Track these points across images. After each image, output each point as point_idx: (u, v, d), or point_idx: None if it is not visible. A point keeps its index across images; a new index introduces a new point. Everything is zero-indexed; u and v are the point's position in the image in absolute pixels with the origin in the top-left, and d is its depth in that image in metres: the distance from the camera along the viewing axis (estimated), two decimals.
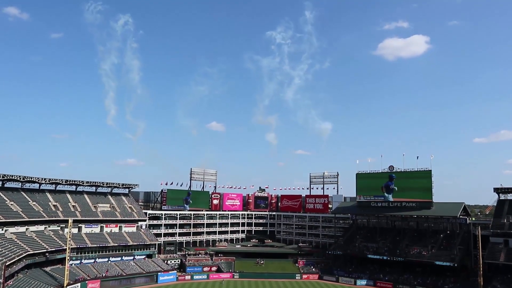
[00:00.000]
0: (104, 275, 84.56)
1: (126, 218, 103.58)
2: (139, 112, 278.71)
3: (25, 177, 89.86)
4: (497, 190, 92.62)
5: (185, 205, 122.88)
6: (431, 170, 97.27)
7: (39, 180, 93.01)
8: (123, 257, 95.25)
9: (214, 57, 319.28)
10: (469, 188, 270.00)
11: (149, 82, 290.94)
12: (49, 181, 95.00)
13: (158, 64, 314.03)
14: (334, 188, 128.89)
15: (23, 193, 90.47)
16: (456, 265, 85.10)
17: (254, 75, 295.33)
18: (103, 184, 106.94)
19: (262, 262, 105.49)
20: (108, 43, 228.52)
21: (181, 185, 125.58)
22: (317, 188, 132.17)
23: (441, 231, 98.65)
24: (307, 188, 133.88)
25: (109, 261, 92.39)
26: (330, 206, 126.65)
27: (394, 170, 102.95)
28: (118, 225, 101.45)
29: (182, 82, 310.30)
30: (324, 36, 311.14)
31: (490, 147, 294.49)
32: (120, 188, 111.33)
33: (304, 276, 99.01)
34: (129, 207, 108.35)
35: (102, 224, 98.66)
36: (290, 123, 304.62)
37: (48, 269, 79.13)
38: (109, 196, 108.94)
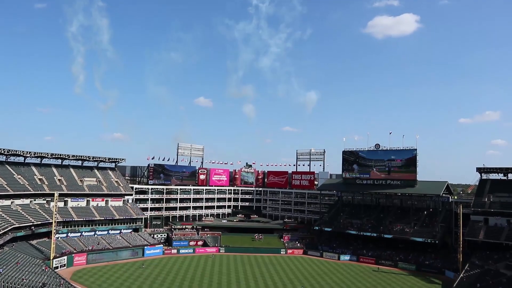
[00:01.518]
0: (90, 248, 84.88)
1: (112, 192, 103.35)
2: (110, 79, 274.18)
3: (9, 150, 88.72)
4: (480, 170, 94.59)
5: (172, 179, 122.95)
6: (416, 149, 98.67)
7: (24, 154, 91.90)
8: (110, 231, 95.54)
9: (189, 20, 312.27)
10: (453, 168, 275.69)
11: (119, 47, 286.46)
12: (34, 154, 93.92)
13: (128, 28, 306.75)
14: (320, 165, 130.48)
15: (8, 166, 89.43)
16: (437, 242, 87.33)
17: (230, 41, 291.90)
18: (89, 158, 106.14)
19: (261, 236, 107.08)
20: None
21: (167, 160, 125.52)
22: (303, 165, 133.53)
23: (424, 209, 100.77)
24: (294, 165, 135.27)
25: (96, 235, 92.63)
26: (316, 182, 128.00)
27: (380, 148, 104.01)
28: (105, 199, 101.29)
29: (154, 47, 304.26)
30: (311, 10, 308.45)
31: (474, 127, 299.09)
32: (107, 162, 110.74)
33: (289, 251, 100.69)
34: (116, 181, 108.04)
35: (88, 198, 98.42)
36: (270, 95, 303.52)
37: (34, 242, 79.12)
38: (96, 170, 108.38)
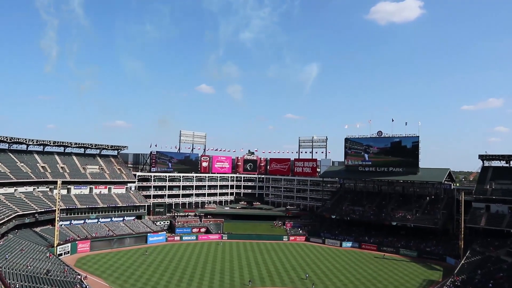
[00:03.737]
0: (94, 235, 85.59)
1: (115, 180, 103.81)
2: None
3: (12, 138, 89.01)
4: (482, 157, 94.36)
5: (175, 167, 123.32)
6: (418, 136, 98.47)
7: (26, 141, 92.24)
8: (113, 218, 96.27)
9: None
10: (455, 155, 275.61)
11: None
12: (36, 142, 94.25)
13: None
14: (322, 152, 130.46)
15: (11, 154, 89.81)
16: (438, 228, 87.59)
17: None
18: (92, 146, 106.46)
19: (280, 223, 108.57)
20: None
21: (170, 148, 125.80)
22: (306, 152, 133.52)
23: (425, 196, 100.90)
24: (296, 152, 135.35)
25: (99, 222, 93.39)
26: (318, 170, 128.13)
27: (382, 135, 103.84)
28: (107, 186, 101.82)
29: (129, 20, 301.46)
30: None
31: (477, 114, 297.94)
32: (109, 149, 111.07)
33: (291, 238, 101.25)
34: (118, 168, 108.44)
35: (91, 186, 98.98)
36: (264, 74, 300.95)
37: (38, 229, 79.91)
38: (98, 158, 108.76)
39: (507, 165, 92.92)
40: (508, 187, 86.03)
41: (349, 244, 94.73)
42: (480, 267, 66.01)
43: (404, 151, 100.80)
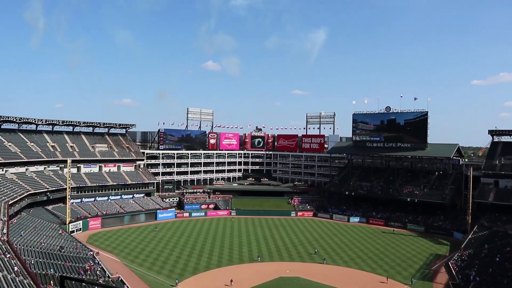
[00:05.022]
0: (104, 212, 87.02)
1: (124, 158, 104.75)
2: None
3: (21, 118, 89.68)
4: (492, 132, 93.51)
5: (183, 144, 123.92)
6: (427, 112, 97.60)
7: (35, 121, 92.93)
8: (122, 196, 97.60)
9: None
10: (465, 130, 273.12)
11: None
12: (45, 122, 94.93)
13: None
14: (330, 128, 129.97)
15: (21, 134, 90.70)
16: (446, 204, 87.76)
17: None
18: (100, 125, 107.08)
19: (294, 199, 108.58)
20: None
21: (178, 125, 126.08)
22: (313, 128, 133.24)
23: (434, 172, 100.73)
24: (304, 128, 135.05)
25: (109, 200, 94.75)
26: (326, 146, 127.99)
27: (390, 111, 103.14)
28: (117, 164, 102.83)
29: None
30: None
31: (487, 89, 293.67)
32: (117, 128, 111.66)
33: (299, 213, 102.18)
34: (127, 147, 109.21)
35: (100, 164, 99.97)
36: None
37: (50, 207, 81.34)
38: (107, 136, 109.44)
39: None
40: None
41: (356, 219, 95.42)
42: (487, 242, 66.37)
43: (412, 127, 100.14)
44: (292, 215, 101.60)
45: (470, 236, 71.93)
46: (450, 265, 59.59)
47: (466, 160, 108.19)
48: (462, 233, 78.24)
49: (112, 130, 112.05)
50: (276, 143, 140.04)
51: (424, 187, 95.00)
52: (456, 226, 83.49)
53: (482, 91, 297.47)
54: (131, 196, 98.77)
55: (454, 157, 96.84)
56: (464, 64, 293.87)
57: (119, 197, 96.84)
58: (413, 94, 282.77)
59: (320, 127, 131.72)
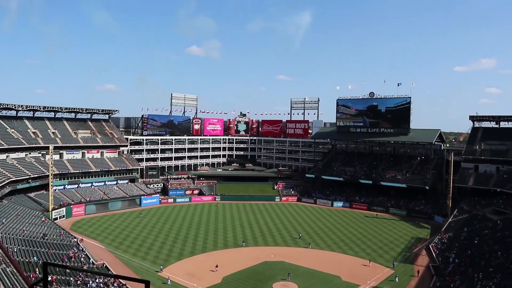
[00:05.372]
0: (88, 199, 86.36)
1: (107, 144, 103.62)
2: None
3: (1, 104, 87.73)
4: (473, 118, 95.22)
5: (166, 130, 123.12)
6: (410, 97, 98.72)
7: (16, 107, 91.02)
8: (106, 182, 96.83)
9: None
10: (447, 116, 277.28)
11: None
12: (26, 108, 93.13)
13: None
14: (314, 114, 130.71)
15: (0, 121, 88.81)
16: (428, 188, 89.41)
17: None
18: (83, 110, 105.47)
19: (279, 185, 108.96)
20: None
21: (161, 111, 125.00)
22: (297, 114, 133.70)
23: (416, 157, 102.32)
24: (288, 114, 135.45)
25: (92, 186, 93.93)
26: (310, 131, 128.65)
27: (374, 97, 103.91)
28: (100, 151, 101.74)
29: None
30: None
31: (469, 75, 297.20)
32: (100, 114, 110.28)
33: (283, 198, 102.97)
34: (110, 132, 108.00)
35: (83, 150, 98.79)
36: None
37: (32, 195, 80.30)
38: (89, 122, 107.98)
39: (497, 126, 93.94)
40: (497, 148, 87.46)
41: (340, 204, 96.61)
42: (466, 225, 68.08)
43: (395, 112, 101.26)
44: (276, 200, 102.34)
45: (450, 220, 73.62)
46: (431, 248, 61.08)
47: (448, 145, 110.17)
48: (442, 217, 79.96)
49: (95, 116, 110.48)
50: (260, 129, 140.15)
51: (406, 172, 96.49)
52: (437, 210, 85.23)
53: (464, 77, 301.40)
54: (115, 182, 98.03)
55: (436, 143, 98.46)
56: (447, 50, 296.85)
57: (102, 183, 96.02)
58: (397, 80, 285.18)
59: (304, 112, 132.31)
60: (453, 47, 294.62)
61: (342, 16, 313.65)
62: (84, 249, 54.83)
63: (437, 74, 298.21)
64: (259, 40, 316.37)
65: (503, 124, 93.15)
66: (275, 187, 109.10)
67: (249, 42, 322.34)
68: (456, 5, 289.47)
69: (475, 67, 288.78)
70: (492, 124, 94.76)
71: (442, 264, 54.07)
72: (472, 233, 63.15)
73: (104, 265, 49.22)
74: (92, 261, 50.01)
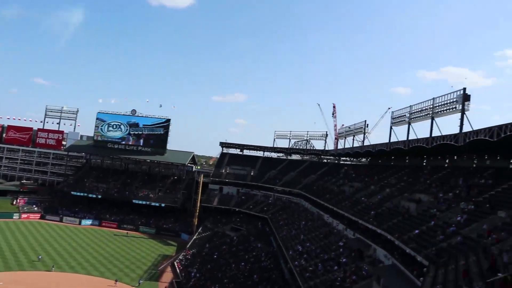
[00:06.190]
0: None
1: None
2: None
3: None
4: (222, 144, 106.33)
5: None
6: (170, 119, 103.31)
7: None
8: None
9: None
10: (202, 139, 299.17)
11: None
12: None
13: None
14: (71, 125, 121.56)
15: None
16: (178, 207, 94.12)
17: None
18: None
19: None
20: None
21: None
22: (53, 123, 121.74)
23: (169, 176, 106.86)
24: (41, 121, 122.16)
25: None
26: (64, 143, 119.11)
27: (136, 114, 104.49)
28: None
29: None
30: None
31: (224, 105, 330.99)
32: None
33: (24, 215, 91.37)
34: None
35: None
36: None
37: None
38: None
39: (241, 152, 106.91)
40: (239, 172, 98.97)
41: (89, 221, 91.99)
42: (208, 241, 74.38)
43: (155, 132, 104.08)
44: (15, 217, 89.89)
45: (195, 237, 79.04)
46: (176, 264, 64.16)
47: (199, 167, 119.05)
48: (188, 234, 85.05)
49: None
50: (4, 135, 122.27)
51: (159, 190, 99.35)
52: (184, 228, 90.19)
53: (220, 106, 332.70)
54: None
55: (189, 164, 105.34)
56: (207, 81, 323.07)
57: None
58: (160, 101, 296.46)
59: (60, 122, 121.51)
60: (213, 79, 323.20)
61: (116, 23, 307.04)
62: None
63: (197, 100, 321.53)
64: (13, 29, 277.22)
65: (246, 152, 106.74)
66: (15, 202, 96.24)
67: (3, 30, 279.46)
68: (225, 42, 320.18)
69: (230, 99, 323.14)
70: (237, 151, 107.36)
71: (184, 279, 57.22)
72: (213, 249, 69.26)
73: None
74: None
